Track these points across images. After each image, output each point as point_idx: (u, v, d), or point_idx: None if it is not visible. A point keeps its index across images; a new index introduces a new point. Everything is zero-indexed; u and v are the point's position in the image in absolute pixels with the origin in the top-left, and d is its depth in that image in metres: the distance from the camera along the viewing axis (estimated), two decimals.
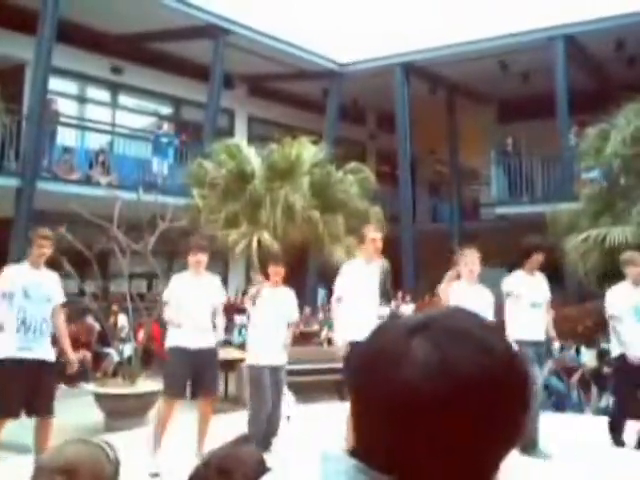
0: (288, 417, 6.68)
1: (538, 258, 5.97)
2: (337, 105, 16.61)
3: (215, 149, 11.21)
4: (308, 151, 10.78)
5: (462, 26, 14.57)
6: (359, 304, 5.75)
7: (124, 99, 15.74)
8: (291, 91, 17.46)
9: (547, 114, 14.17)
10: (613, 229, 10.13)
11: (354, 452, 0.75)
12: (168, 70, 15.20)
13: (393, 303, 13.13)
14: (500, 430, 0.71)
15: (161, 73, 15.16)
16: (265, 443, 5.66)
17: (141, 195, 9.51)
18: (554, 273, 6.61)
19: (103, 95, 15.46)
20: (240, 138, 13.37)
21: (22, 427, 5.21)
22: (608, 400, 8.05)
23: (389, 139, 17.16)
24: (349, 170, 11.22)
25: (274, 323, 5.95)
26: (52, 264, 5.49)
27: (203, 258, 5.71)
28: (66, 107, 14.26)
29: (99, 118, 15.20)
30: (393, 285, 12.83)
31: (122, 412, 7.03)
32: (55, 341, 5.39)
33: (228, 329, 12.26)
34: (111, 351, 10.52)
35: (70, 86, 14.87)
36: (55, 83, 12.98)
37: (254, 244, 9.62)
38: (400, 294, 14.07)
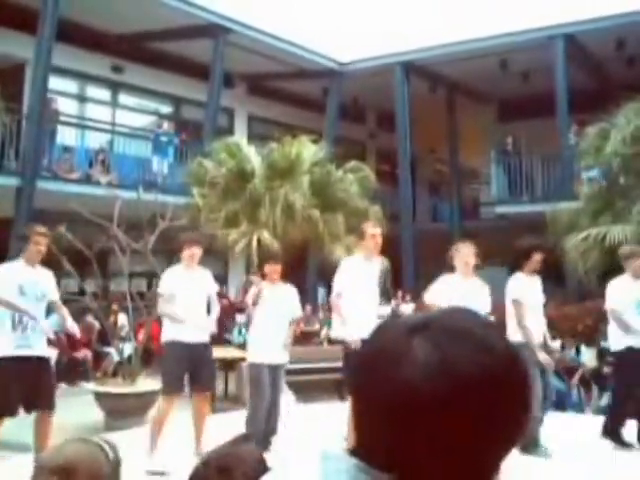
0: (288, 412, 6.67)
1: (537, 258, 5.96)
2: (337, 104, 16.60)
3: (215, 148, 11.21)
4: (308, 150, 10.78)
5: (462, 25, 14.56)
6: (358, 301, 5.74)
7: (124, 98, 15.73)
8: (291, 90, 17.45)
9: (547, 113, 14.17)
10: (613, 228, 10.14)
11: (354, 451, 0.75)
12: (168, 69, 15.19)
13: (393, 302, 13.13)
14: (500, 430, 0.71)
15: (161, 72, 15.15)
16: (265, 442, 5.65)
17: (141, 194, 9.50)
18: (554, 272, 6.61)
19: (103, 94, 15.45)
20: (240, 137, 13.36)
21: (22, 426, 5.21)
22: (608, 399, 8.05)
23: (389, 138, 17.15)
24: (349, 169, 11.23)
25: (274, 321, 5.94)
26: (52, 263, 5.49)
27: (197, 252, 5.75)
28: (66, 106, 14.25)
29: (99, 117, 15.18)
30: (393, 284, 12.84)
31: (122, 411, 7.03)
32: (55, 341, 5.39)
33: (228, 329, 12.29)
34: (111, 350, 10.52)
35: (70, 85, 14.86)
36: (55, 82, 12.97)
37: (254, 243, 9.62)
38: (400, 293, 14.07)
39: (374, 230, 5.96)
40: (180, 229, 8.32)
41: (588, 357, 9.70)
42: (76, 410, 7.14)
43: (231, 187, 10.56)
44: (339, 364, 7.23)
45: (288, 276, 6.44)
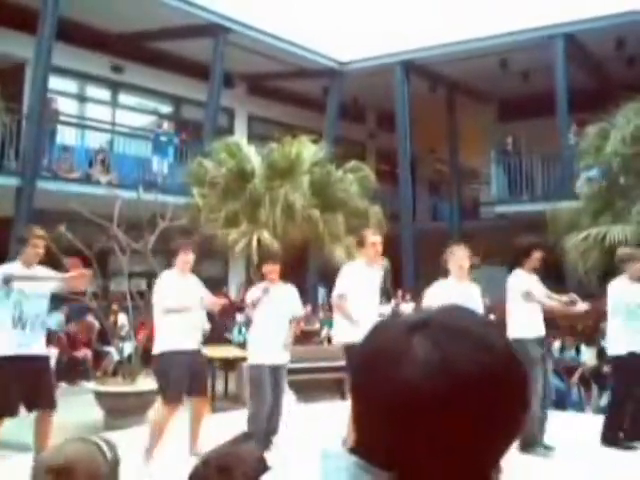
0: (288, 411, 6.67)
1: (537, 256, 5.96)
2: (337, 104, 16.60)
3: (215, 148, 11.21)
4: (308, 150, 10.78)
5: (462, 24, 14.56)
6: (360, 306, 5.71)
7: (124, 98, 15.72)
8: (291, 90, 17.45)
9: (547, 113, 14.17)
10: (613, 228, 10.14)
11: (355, 450, 0.75)
12: (168, 69, 15.19)
13: (393, 302, 13.13)
14: (500, 428, 0.71)
15: (161, 72, 15.15)
16: (265, 441, 5.65)
17: (141, 194, 9.50)
18: (554, 272, 6.61)
19: (103, 94, 15.44)
20: (240, 137, 13.36)
21: (23, 426, 5.21)
22: (608, 398, 8.05)
23: (389, 138, 17.15)
24: (349, 169, 11.22)
25: (275, 321, 5.94)
26: (52, 263, 5.49)
27: (192, 258, 5.74)
28: (66, 106, 14.25)
29: (99, 117, 15.18)
30: (393, 284, 12.82)
31: (122, 410, 7.04)
32: (54, 342, 5.39)
33: (228, 328, 12.30)
34: (111, 350, 10.53)
35: (70, 85, 14.85)
36: (55, 82, 12.97)
37: (254, 243, 9.62)
38: (400, 293, 14.07)
39: (374, 238, 5.94)
40: (180, 229, 8.34)
41: (588, 357, 9.70)
42: (76, 409, 7.14)
43: (231, 187, 10.56)
44: (339, 363, 7.23)
45: (288, 276, 6.44)
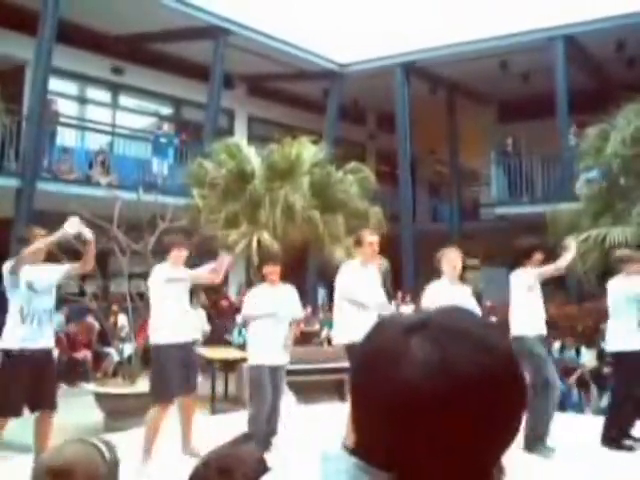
0: (288, 413, 6.67)
1: (538, 258, 5.97)
2: (337, 105, 16.61)
3: (215, 149, 11.20)
4: (308, 151, 10.77)
5: (462, 26, 14.57)
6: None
7: (124, 99, 15.74)
8: (291, 91, 17.47)
9: (547, 114, 14.17)
10: (613, 229, 10.14)
11: (354, 451, 0.75)
12: (168, 70, 15.20)
13: (393, 303, 13.14)
14: (500, 428, 0.71)
15: (161, 73, 15.16)
16: (265, 443, 5.65)
17: (141, 195, 9.51)
18: None
19: (103, 95, 15.46)
20: (240, 138, 13.35)
21: (24, 427, 5.21)
22: (608, 399, 8.04)
23: (389, 139, 17.16)
24: (349, 170, 11.22)
25: (274, 323, 5.95)
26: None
27: (185, 254, 5.77)
28: (66, 107, 14.25)
29: (99, 118, 15.20)
30: (393, 285, 12.83)
31: (122, 412, 7.03)
32: (55, 341, 5.39)
33: (228, 329, 12.30)
34: (111, 351, 10.53)
35: (70, 87, 14.87)
36: (55, 83, 12.98)
37: (254, 244, 9.61)
38: (400, 294, 14.08)
39: (372, 238, 6.01)
40: (180, 230, 8.33)
41: (588, 358, 9.71)
42: (76, 411, 7.14)
43: (231, 188, 10.55)
44: (339, 364, 7.23)
45: (288, 277, 6.44)
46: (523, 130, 16.02)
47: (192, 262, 6.07)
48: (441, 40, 14.94)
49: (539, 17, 13.79)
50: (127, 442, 4.80)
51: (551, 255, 6.26)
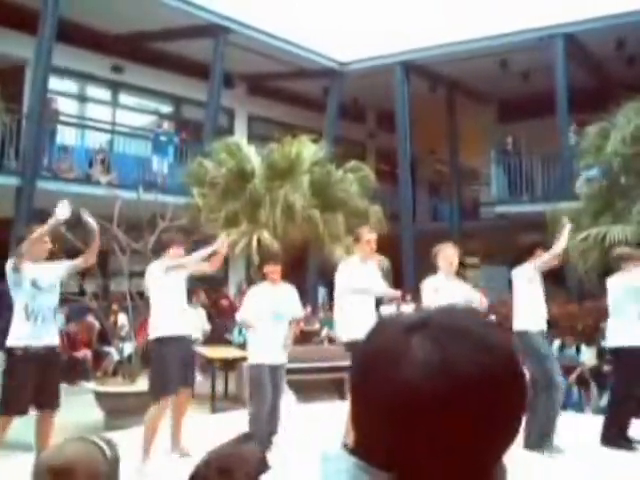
0: (288, 412, 6.67)
1: (540, 254, 5.98)
2: (337, 104, 16.60)
3: (215, 148, 11.20)
4: (308, 150, 10.77)
5: (462, 25, 14.55)
6: (358, 302, 5.75)
7: (124, 98, 15.73)
8: (291, 90, 17.45)
9: (547, 113, 14.16)
10: (613, 228, 10.14)
11: (354, 450, 0.75)
12: (168, 69, 15.19)
13: (393, 302, 13.13)
14: (500, 428, 0.71)
15: (161, 72, 15.15)
16: (266, 442, 5.65)
17: (141, 194, 9.50)
18: (554, 272, 6.61)
19: (103, 94, 15.45)
20: (240, 137, 13.36)
21: (26, 425, 5.21)
22: (608, 398, 8.04)
23: (389, 138, 17.15)
24: (349, 169, 11.22)
25: (274, 322, 5.95)
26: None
27: (183, 253, 5.82)
28: (66, 106, 14.25)
29: (99, 117, 15.19)
30: (393, 284, 12.81)
31: (122, 411, 7.03)
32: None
33: (228, 328, 12.29)
34: (111, 350, 10.53)
35: (70, 85, 14.86)
36: (55, 82, 12.98)
37: (254, 243, 9.61)
38: (400, 293, 14.05)
39: (370, 236, 6.05)
40: (180, 229, 8.34)
41: (588, 356, 9.71)
42: (76, 410, 7.13)
43: (231, 187, 10.55)
44: (339, 363, 7.23)
45: (288, 276, 6.44)
46: (523, 129, 16.00)
47: None
48: (441, 38, 14.92)
49: (539, 16, 13.77)
50: (127, 440, 4.79)
51: None
